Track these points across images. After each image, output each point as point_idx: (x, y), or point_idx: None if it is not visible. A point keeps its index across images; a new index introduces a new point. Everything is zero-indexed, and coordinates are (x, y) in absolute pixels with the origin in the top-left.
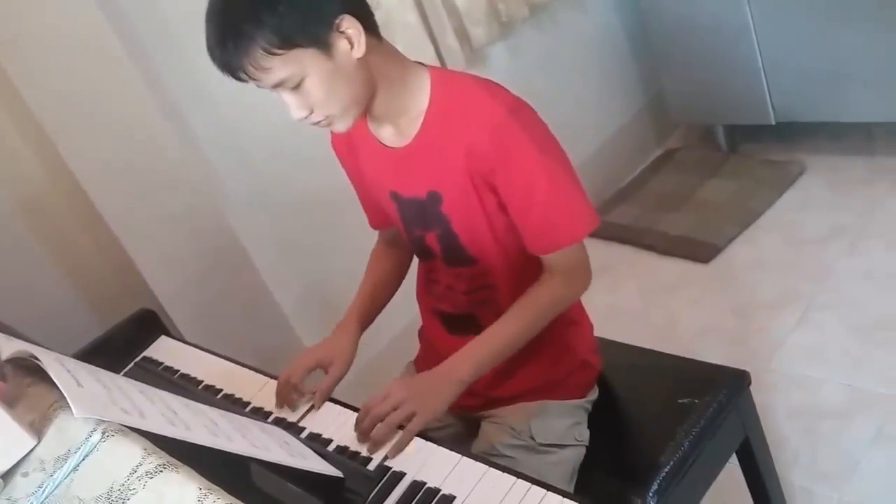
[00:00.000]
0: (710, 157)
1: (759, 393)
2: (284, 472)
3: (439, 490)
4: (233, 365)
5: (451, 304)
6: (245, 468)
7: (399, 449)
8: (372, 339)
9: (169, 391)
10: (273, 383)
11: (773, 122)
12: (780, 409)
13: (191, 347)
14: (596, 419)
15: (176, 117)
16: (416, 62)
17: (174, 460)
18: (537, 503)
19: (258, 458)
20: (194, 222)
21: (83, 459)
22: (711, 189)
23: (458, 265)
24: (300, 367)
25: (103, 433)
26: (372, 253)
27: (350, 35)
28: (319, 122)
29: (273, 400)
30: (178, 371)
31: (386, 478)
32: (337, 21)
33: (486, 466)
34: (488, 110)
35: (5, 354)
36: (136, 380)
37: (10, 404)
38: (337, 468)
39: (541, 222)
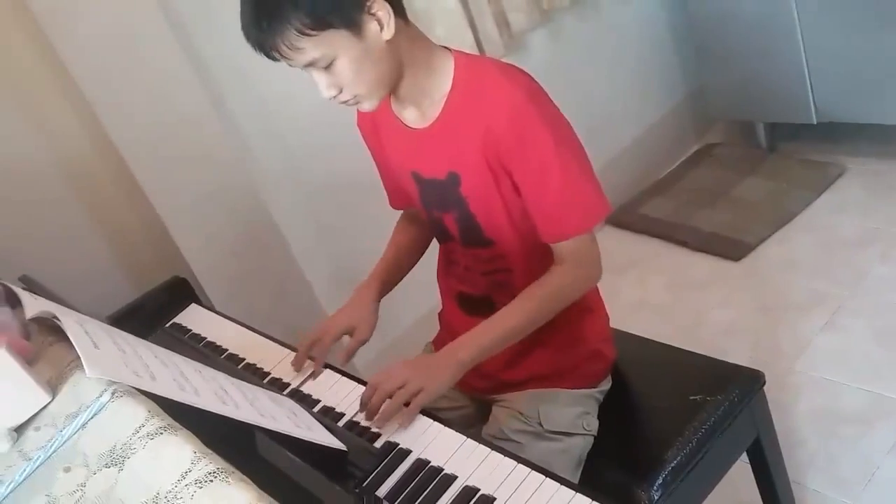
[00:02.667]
0: (748, 155)
1: (782, 393)
2: (289, 442)
3: (442, 469)
4: (258, 336)
5: (469, 284)
6: (250, 436)
7: (405, 424)
8: (395, 320)
9: (191, 358)
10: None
11: (815, 122)
12: (801, 410)
13: (219, 317)
14: (607, 410)
15: (215, 94)
16: (441, 46)
17: (175, 423)
18: (536, 488)
19: (263, 426)
20: (229, 197)
21: (91, 418)
22: (748, 187)
23: (475, 246)
24: (328, 337)
25: (113, 394)
26: (396, 224)
27: (380, 17)
28: (347, 101)
29: (291, 371)
30: (204, 339)
31: (392, 454)
32: (368, 3)
33: (489, 449)
34: (507, 94)
35: (30, 313)
36: (162, 345)
37: (31, 362)
38: (344, 443)
39: (552, 210)
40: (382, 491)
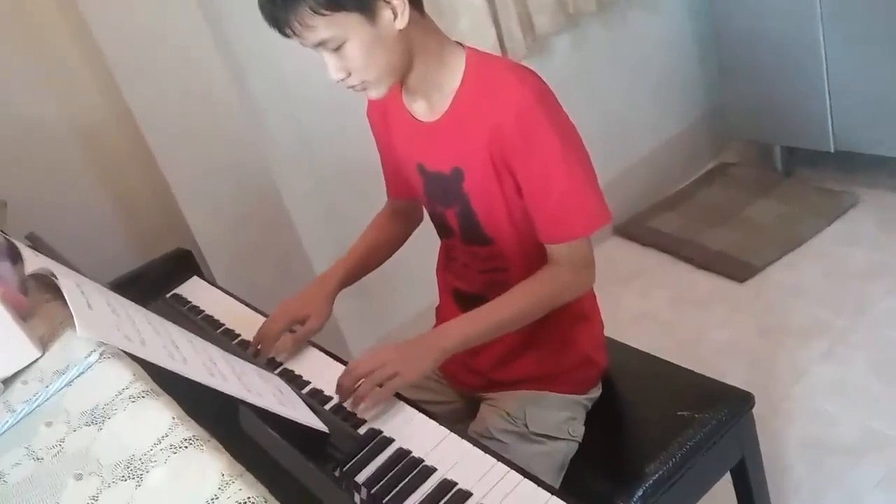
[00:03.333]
0: (763, 177)
1: (774, 418)
2: (272, 419)
3: (423, 460)
4: (256, 313)
5: (466, 281)
6: (234, 409)
7: (376, 403)
8: (395, 313)
9: (187, 329)
10: (289, 336)
11: (833, 150)
12: (791, 437)
13: (219, 291)
14: (594, 418)
15: (236, 70)
16: (455, 41)
17: (158, 389)
18: (513, 488)
19: (248, 401)
20: (240, 172)
21: (78, 376)
22: (760, 209)
23: (474, 244)
24: (276, 326)
25: (101, 354)
26: (374, 218)
27: (395, 5)
28: (355, 85)
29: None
30: (202, 312)
31: (374, 441)
32: None
33: (471, 445)
34: (517, 93)
35: (30, 269)
36: (160, 314)
37: (25, 317)
38: (327, 426)
39: (554, 212)
40: (362, 477)
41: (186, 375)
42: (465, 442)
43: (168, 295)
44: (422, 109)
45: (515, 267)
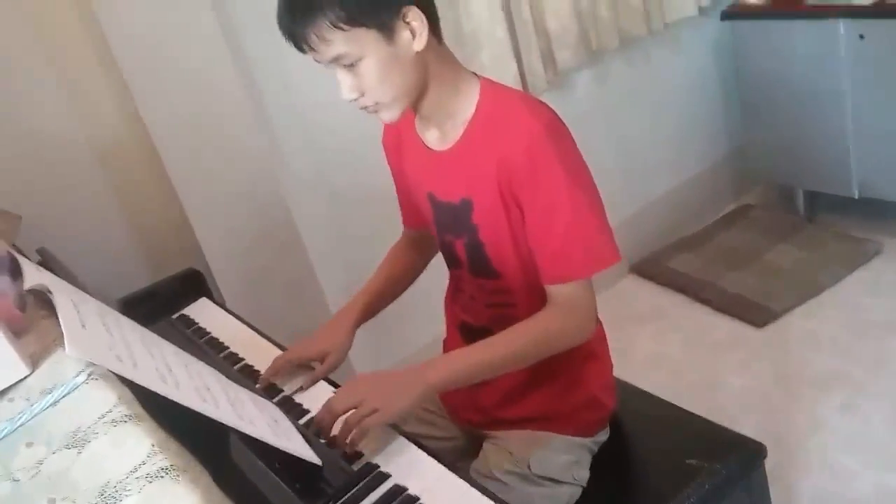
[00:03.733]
0: (785, 221)
1: (787, 470)
2: (264, 450)
3: (417, 499)
4: (262, 339)
5: (473, 315)
6: (226, 438)
7: (354, 444)
8: (404, 344)
9: (189, 352)
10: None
11: (856, 196)
12: (805, 490)
13: (227, 314)
14: (600, 462)
15: (254, 91)
16: (470, 72)
17: (142, 413)
18: None
19: (240, 429)
20: (254, 195)
21: (63, 397)
22: (780, 254)
23: (481, 276)
24: (296, 361)
25: (89, 375)
26: (391, 250)
27: (414, 27)
28: (368, 106)
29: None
30: (208, 334)
31: (370, 476)
32: (404, 10)
33: (468, 485)
34: (527, 126)
35: (28, 285)
36: (164, 336)
37: (19, 333)
38: (322, 458)
39: (557, 250)
40: None
41: (176, 400)
42: (461, 481)
43: (176, 315)
44: (434, 138)
45: (522, 303)
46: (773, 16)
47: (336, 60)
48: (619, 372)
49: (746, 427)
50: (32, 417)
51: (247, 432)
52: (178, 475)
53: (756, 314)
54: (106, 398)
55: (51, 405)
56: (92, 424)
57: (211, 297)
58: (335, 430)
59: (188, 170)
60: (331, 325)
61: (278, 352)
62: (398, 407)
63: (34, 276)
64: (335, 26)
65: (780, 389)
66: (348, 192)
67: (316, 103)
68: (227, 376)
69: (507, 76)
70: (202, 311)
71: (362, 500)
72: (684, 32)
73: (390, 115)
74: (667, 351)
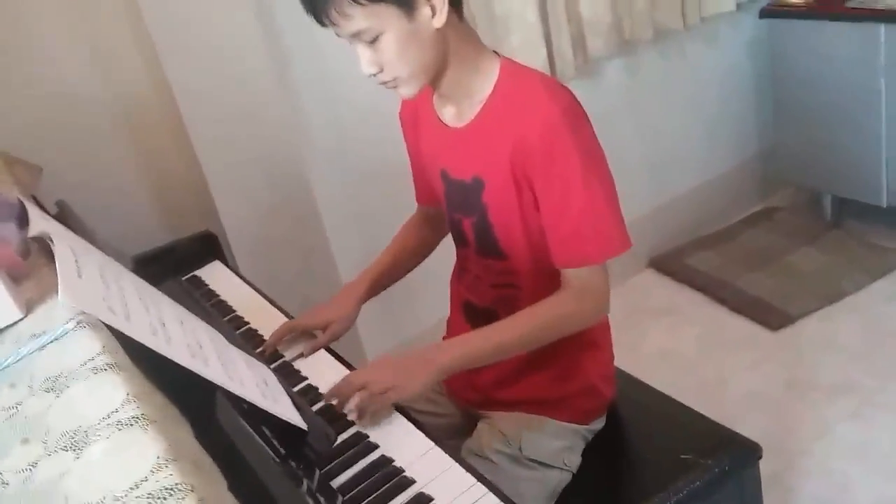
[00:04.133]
0: (810, 225)
1: (789, 473)
2: (254, 412)
3: (403, 471)
4: (269, 305)
5: (477, 294)
6: (214, 398)
7: (371, 415)
8: (413, 321)
9: (194, 313)
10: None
11: (885, 205)
12: (804, 495)
13: (238, 278)
14: (594, 450)
15: (281, 62)
16: (491, 51)
17: (125, 362)
18: None
19: (228, 388)
20: (274, 164)
21: (51, 342)
22: (803, 257)
23: (488, 256)
24: (293, 325)
25: (78, 323)
26: (403, 225)
27: (434, 3)
28: (387, 82)
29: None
30: (217, 296)
31: (359, 446)
32: None
33: (453, 461)
34: (544, 108)
35: (32, 232)
36: (171, 294)
37: (19, 279)
38: (309, 425)
39: (569, 233)
40: (341, 479)
41: (165, 354)
42: (447, 457)
43: (188, 276)
44: (450, 115)
45: (527, 285)
46: (812, 16)
47: (356, 36)
48: (628, 364)
49: (750, 428)
50: (18, 360)
51: (233, 391)
52: (147, 424)
53: (772, 316)
54: (91, 346)
55: (37, 350)
56: (73, 371)
57: (224, 261)
58: (350, 405)
59: (210, 133)
60: (338, 297)
61: (285, 319)
62: (411, 387)
63: (40, 224)
64: (355, 1)
65: (789, 393)
66: (369, 167)
67: (342, 77)
68: (226, 338)
69: (537, 60)
70: (213, 274)
71: (348, 468)
72: (721, 28)
73: (409, 90)
74: (678, 347)
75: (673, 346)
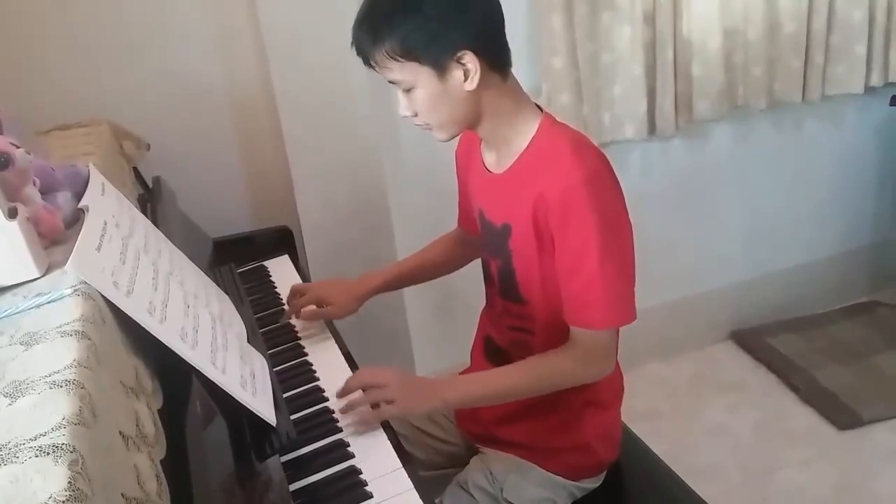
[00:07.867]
0: None
1: None
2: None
3: (366, 483)
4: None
5: (497, 331)
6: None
7: (362, 423)
8: (462, 352)
9: (237, 298)
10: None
11: None
12: None
13: (297, 273)
14: None
15: (381, 83)
16: (534, 106)
17: (95, 332)
18: None
19: (205, 373)
20: (358, 175)
21: (48, 302)
22: (891, 360)
23: (508, 299)
24: (303, 294)
25: (75, 290)
26: (440, 237)
27: (468, 69)
28: (421, 125)
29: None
30: (274, 288)
31: (336, 452)
32: (460, 54)
33: (411, 485)
34: (567, 169)
35: (83, 202)
36: (230, 280)
37: (56, 242)
38: (284, 424)
39: (577, 295)
40: (309, 480)
41: (155, 335)
42: (407, 480)
43: (256, 264)
44: (492, 160)
45: (541, 333)
46: None
47: (393, 83)
48: (679, 432)
49: None
50: (16, 313)
51: (212, 378)
52: (75, 388)
53: (841, 415)
54: (72, 312)
55: (34, 307)
56: (48, 331)
57: (295, 256)
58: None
59: (303, 142)
60: (350, 285)
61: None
62: (411, 409)
63: (91, 195)
64: (391, 56)
65: (838, 498)
66: (448, 191)
67: None
68: (246, 322)
69: (636, 114)
70: (279, 268)
71: (322, 470)
72: (846, 109)
73: (442, 136)
74: (735, 426)
75: (730, 423)
